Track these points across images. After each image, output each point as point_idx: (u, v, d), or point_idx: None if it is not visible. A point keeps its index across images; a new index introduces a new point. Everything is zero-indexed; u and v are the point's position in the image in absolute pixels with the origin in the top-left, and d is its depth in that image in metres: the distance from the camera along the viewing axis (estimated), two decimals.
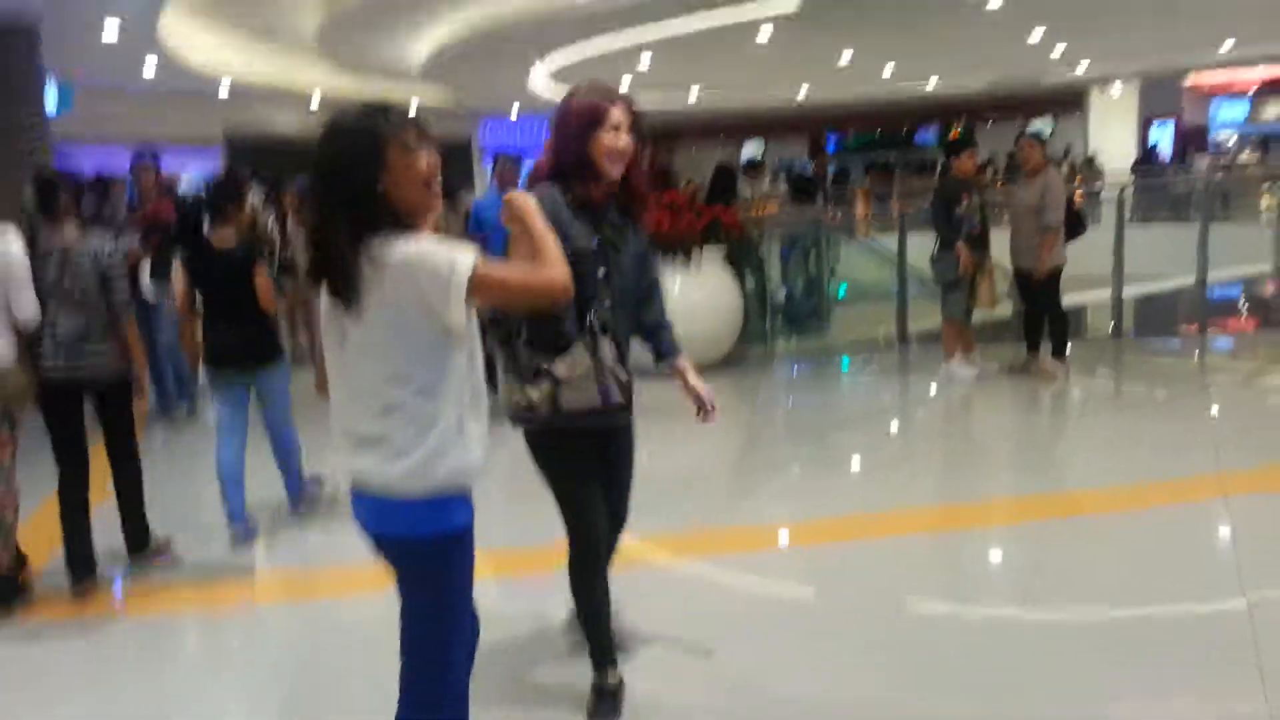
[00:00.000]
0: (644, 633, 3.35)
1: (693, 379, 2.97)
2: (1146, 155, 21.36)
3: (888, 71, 18.63)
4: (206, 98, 17.42)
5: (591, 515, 2.85)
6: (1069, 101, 22.96)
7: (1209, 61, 19.37)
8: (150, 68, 14.30)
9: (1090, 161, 20.05)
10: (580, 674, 2.97)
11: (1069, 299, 7.40)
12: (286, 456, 4.84)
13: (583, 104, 2.71)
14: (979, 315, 7.32)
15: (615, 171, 2.71)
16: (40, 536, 4.35)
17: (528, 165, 6.02)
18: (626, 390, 2.75)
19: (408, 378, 2.01)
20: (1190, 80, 22.76)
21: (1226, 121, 24.45)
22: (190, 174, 16.29)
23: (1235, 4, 12.69)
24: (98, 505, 4.20)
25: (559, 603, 3.25)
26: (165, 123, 16.69)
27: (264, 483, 4.91)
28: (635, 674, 3.01)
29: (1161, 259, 10.25)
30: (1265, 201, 14.21)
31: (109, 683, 3.45)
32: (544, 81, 16.51)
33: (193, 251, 4.62)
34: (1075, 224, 7.10)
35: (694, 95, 21.03)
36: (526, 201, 2.22)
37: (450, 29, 13.27)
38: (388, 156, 1.95)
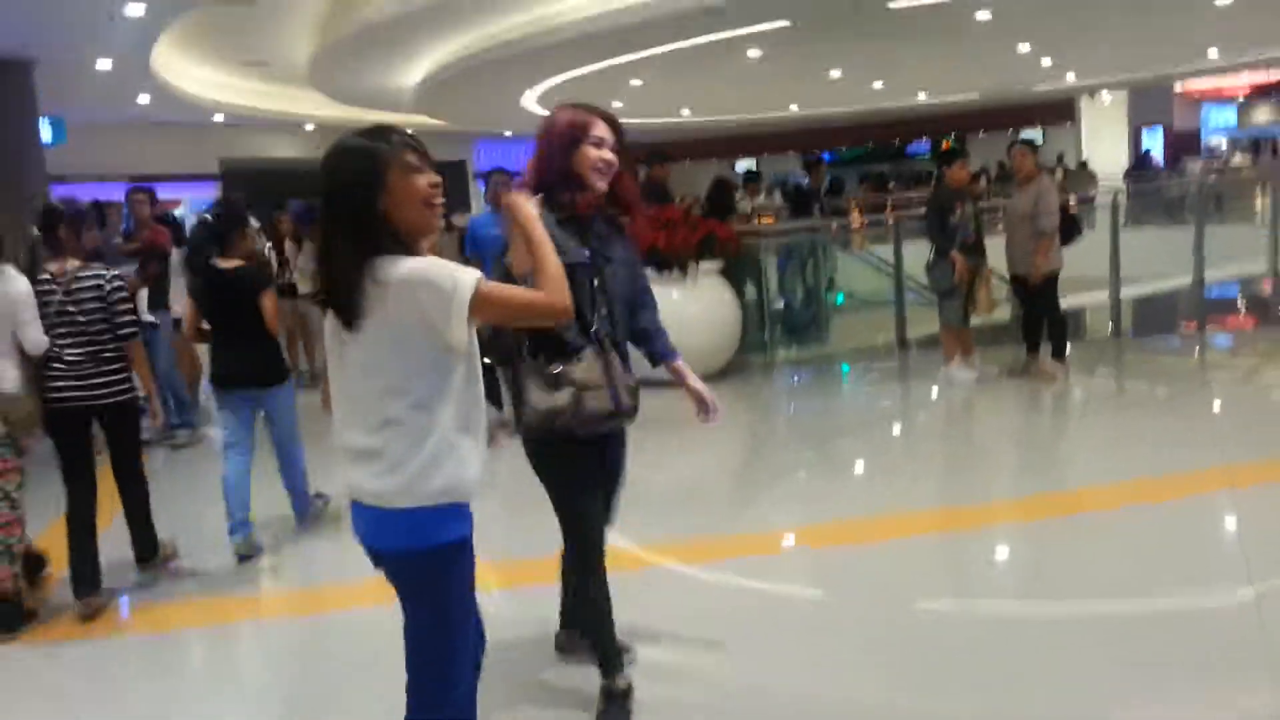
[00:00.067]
0: (651, 636, 3.35)
1: (692, 380, 2.99)
2: (1140, 161, 21.47)
3: (878, 85, 18.74)
4: (200, 129, 17.54)
5: (593, 520, 2.87)
6: (1059, 110, 23.10)
7: (1195, 69, 19.50)
8: (144, 101, 14.39)
9: (1084, 165, 20.13)
10: (588, 678, 2.96)
11: (1067, 301, 7.43)
12: (293, 474, 4.90)
13: (566, 119, 2.76)
14: (978, 320, 7.35)
15: (601, 184, 2.75)
16: (49, 556, 4.41)
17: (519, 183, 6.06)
18: (634, 394, 2.79)
19: (404, 392, 2.02)
20: (1180, 87, 22.92)
21: (1217, 126, 24.62)
22: (186, 204, 16.38)
23: (1217, 14, 12.78)
24: (104, 528, 4.24)
25: None
26: (160, 155, 16.79)
27: (270, 501, 4.96)
28: (643, 677, 3.00)
29: (1157, 261, 10.28)
30: (1260, 203, 14.26)
31: (116, 699, 3.45)
32: (536, 103, 16.60)
33: (200, 276, 4.72)
34: (1071, 228, 7.16)
35: (686, 113, 21.16)
36: (524, 204, 2.27)
37: (442, 55, 13.35)
38: (388, 178, 2.00)
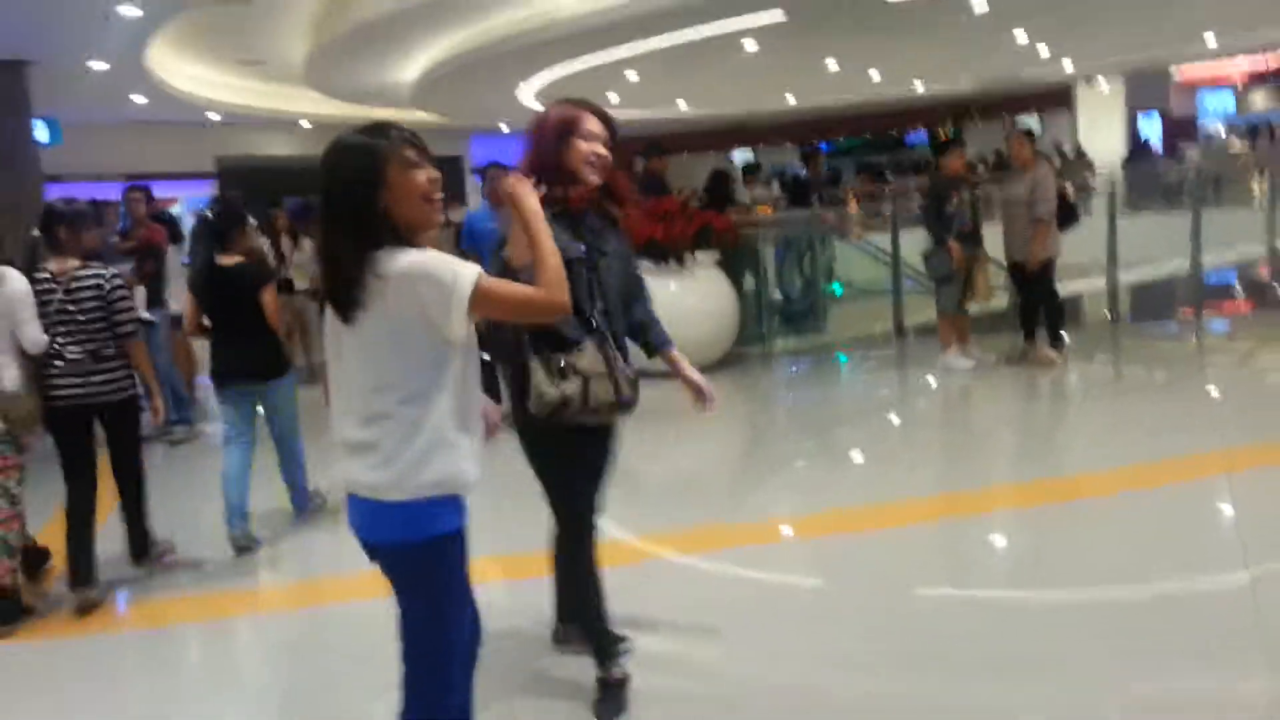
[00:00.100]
0: (649, 627, 3.35)
1: (687, 370, 3.00)
2: (1139, 148, 21.42)
3: (875, 76, 18.70)
4: (196, 128, 17.51)
5: (586, 507, 2.89)
6: (1056, 98, 23.03)
7: (1191, 55, 19.46)
8: (139, 100, 14.38)
9: (1080, 154, 20.09)
10: (584, 670, 2.96)
11: (1065, 288, 7.43)
12: (292, 468, 4.94)
13: (558, 114, 2.77)
14: (975, 307, 7.36)
15: (594, 178, 2.75)
16: (51, 550, 4.44)
17: None
18: (634, 386, 2.80)
19: (399, 386, 2.03)
20: (1177, 74, 22.86)
21: (1214, 112, 24.57)
22: (183, 202, 16.37)
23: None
24: (101, 524, 4.27)
25: None
26: (155, 154, 16.77)
27: (268, 496, 5.00)
28: (640, 667, 3.00)
29: (1155, 246, 10.29)
30: (1257, 188, 14.25)
31: (114, 695, 3.46)
32: (532, 97, 16.57)
33: (202, 272, 4.76)
34: (1069, 215, 7.16)
35: (682, 105, 21.12)
36: (528, 193, 2.24)
37: (438, 51, 13.33)
38: (387, 174, 2.01)
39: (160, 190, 10.58)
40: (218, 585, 4.37)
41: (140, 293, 6.56)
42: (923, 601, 3.61)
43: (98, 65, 11.44)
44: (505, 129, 21.90)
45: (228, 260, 4.68)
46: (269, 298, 4.68)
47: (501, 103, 17.05)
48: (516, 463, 2.89)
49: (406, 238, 2.02)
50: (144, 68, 12.10)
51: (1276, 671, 2.88)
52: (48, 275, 4.16)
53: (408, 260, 1.97)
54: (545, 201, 2.68)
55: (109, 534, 4.42)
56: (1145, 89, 22.66)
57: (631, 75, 15.43)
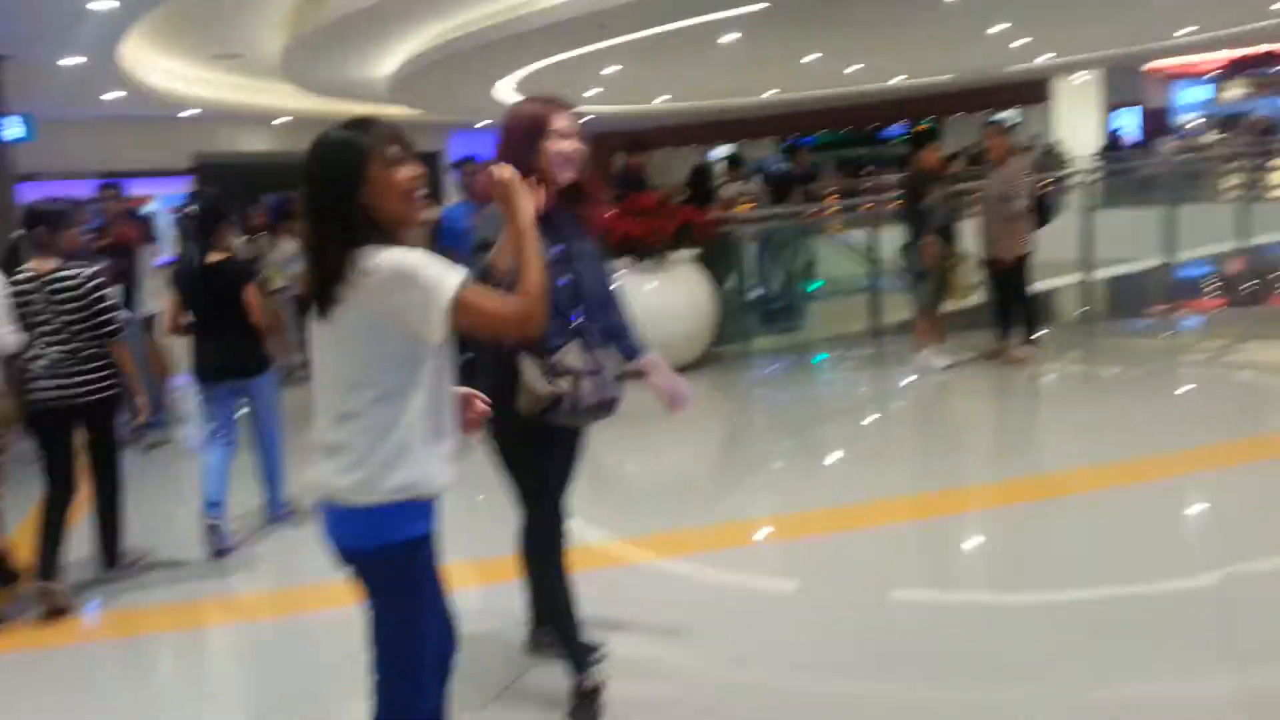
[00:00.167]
0: (625, 631, 3.36)
1: (662, 375, 2.96)
2: (1111, 142, 21.56)
3: (853, 69, 18.74)
4: (172, 124, 17.35)
5: (558, 507, 2.91)
6: (1034, 91, 23.13)
7: (1170, 47, 19.57)
8: (113, 96, 14.22)
9: (1052, 149, 20.19)
10: (558, 677, 2.96)
11: (1040, 284, 7.47)
12: (271, 463, 4.95)
13: (526, 114, 2.75)
14: (952, 304, 7.38)
15: (566, 176, 2.74)
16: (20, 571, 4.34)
17: None
18: (617, 387, 2.80)
19: (372, 384, 2.02)
20: (1150, 66, 22.98)
21: (1189, 105, 24.74)
22: (158, 200, 16.23)
23: None
24: (75, 527, 4.26)
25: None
26: (130, 151, 16.60)
27: (243, 505, 4.96)
28: (615, 673, 3.00)
29: (1130, 241, 10.35)
30: (1231, 180, 14.36)
31: (88, 705, 3.44)
32: (510, 92, 16.51)
33: (189, 269, 4.77)
34: (1043, 211, 7.19)
35: (661, 100, 21.10)
36: (517, 185, 2.13)
37: (415, 44, 13.25)
38: (369, 170, 2.00)
39: (135, 188, 10.50)
40: (192, 593, 4.34)
41: (116, 291, 6.50)
42: (900, 602, 3.63)
43: (71, 60, 11.31)
44: (484, 124, 21.81)
45: (215, 257, 4.71)
46: (253, 294, 4.72)
47: (480, 98, 16.97)
48: (489, 462, 2.88)
49: (389, 234, 2.02)
50: (119, 63, 11.97)
51: (1250, 670, 2.91)
52: (28, 275, 4.15)
53: (391, 259, 1.96)
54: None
55: (82, 540, 4.40)
56: (1120, 82, 22.81)
57: (612, 69, 15.39)
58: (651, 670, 3.21)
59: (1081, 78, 22.75)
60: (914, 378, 7.19)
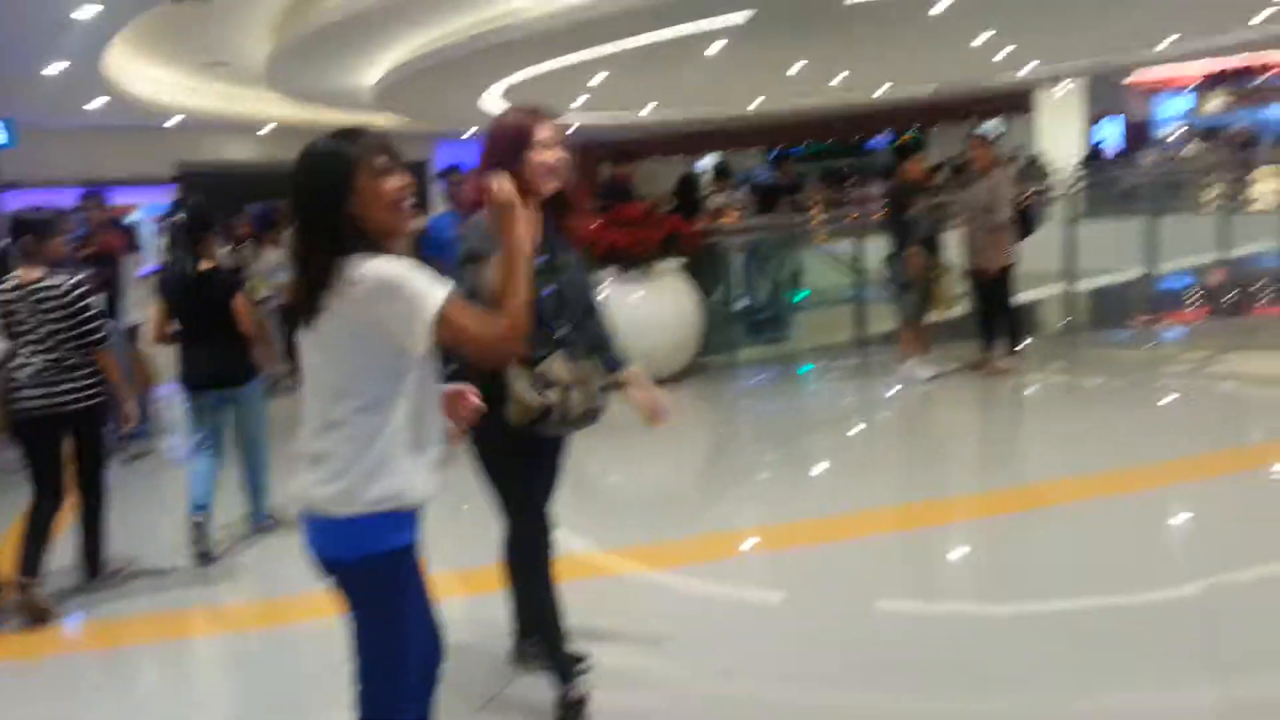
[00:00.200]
0: (611, 642, 3.35)
1: (638, 390, 2.96)
2: (1093, 154, 21.75)
3: (839, 80, 18.85)
4: (156, 132, 17.28)
5: (544, 519, 2.92)
6: (1017, 103, 23.31)
7: (1150, 59, 19.77)
8: (97, 104, 14.16)
9: (1034, 160, 20.35)
10: (543, 688, 2.96)
11: (1023, 295, 7.51)
12: (256, 472, 4.94)
13: (510, 124, 2.76)
14: (937, 315, 7.42)
15: (550, 186, 2.74)
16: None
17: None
18: (602, 397, 2.82)
19: (356, 393, 2.03)
20: (1131, 77, 23.21)
21: (1170, 116, 24.99)
22: (142, 209, 16.14)
23: (1175, 2, 12.99)
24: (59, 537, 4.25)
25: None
26: (113, 160, 16.52)
27: (228, 516, 4.94)
28: (601, 685, 3.00)
29: (1112, 252, 10.43)
30: (1211, 192, 14.49)
31: (69, 717, 3.42)
32: (497, 101, 16.52)
33: (179, 277, 4.78)
34: (1026, 223, 7.24)
35: (648, 110, 21.15)
36: (513, 200, 2.11)
37: (402, 53, 13.25)
38: (357, 180, 2.01)
39: (119, 197, 10.44)
40: (176, 603, 4.31)
41: (99, 300, 6.46)
42: (886, 613, 3.64)
43: (55, 68, 11.26)
44: (471, 133, 21.82)
45: (204, 265, 4.75)
46: (241, 303, 4.75)
47: (467, 107, 16.98)
48: (475, 474, 2.88)
49: (377, 243, 2.02)
50: (102, 71, 11.93)
51: (1231, 681, 2.93)
52: (14, 284, 4.16)
53: (377, 269, 1.97)
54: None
55: (66, 549, 4.38)
56: (1103, 93, 23.02)
57: (598, 78, 15.43)
58: (638, 681, 3.21)
59: (1064, 89, 22.94)
60: (899, 388, 7.21)
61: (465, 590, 3.99)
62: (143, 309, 7.01)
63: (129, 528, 4.86)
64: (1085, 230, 9.49)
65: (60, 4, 8.68)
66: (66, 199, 8.81)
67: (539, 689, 2.99)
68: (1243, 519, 4.16)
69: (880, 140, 26.15)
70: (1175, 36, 16.74)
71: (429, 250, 6.35)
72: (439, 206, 8.15)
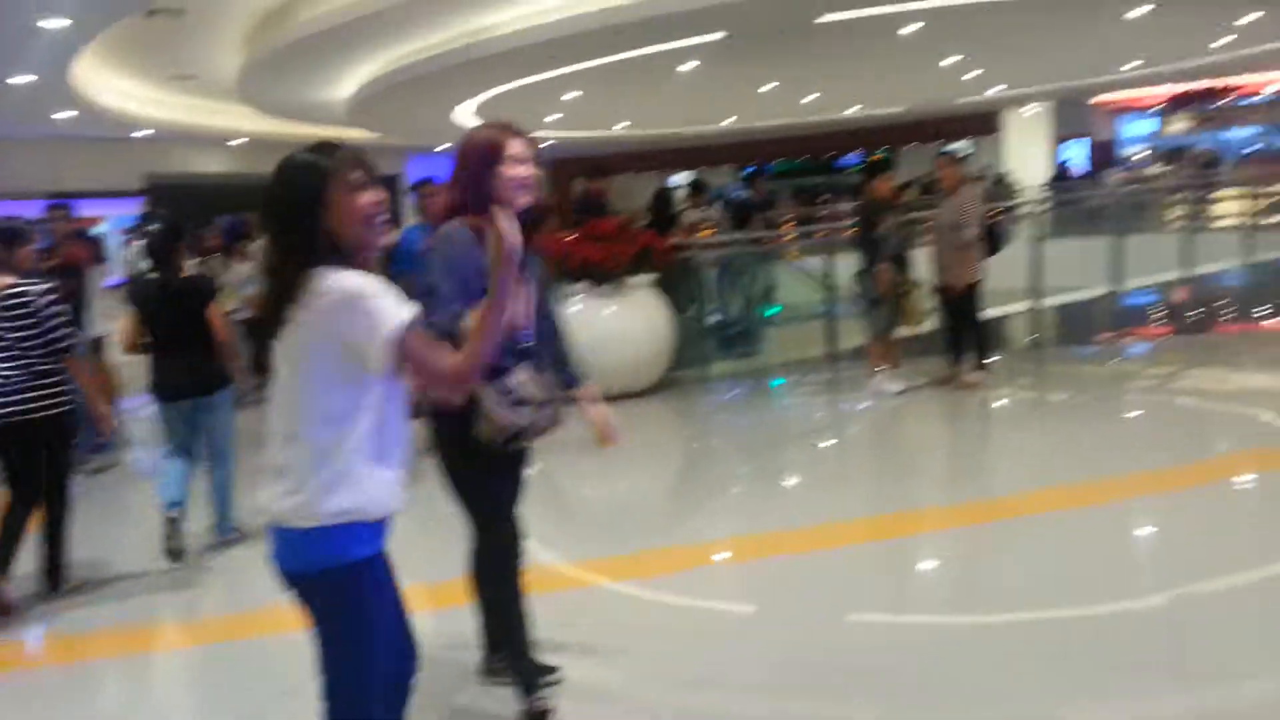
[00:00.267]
0: (580, 655, 3.34)
1: (593, 409, 2.98)
2: (1059, 173, 22.09)
3: (810, 99, 19.02)
4: (124, 144, 17.13)
5: (511, 526, 2.92)
6: (985, 123, 23.64)
7: (1117, 80, 20.12)
8: (64, 116, 14.02)
9: (1000, 180, 20.63)
10: (510, 702, 2.94)
11: (990, 311, 7.60)
12: (223, 483, 4.92)
13: (482, 139, 2.77)
14: (907, 330, 7.49)
15: (523, 201, 2.75)
16: None
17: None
18: (563, 409, 2.82)
19: (314, 407, 2.03)
20: (1097, 99, 23.61)
21: (1134, 137, 25.44)
22: (109, 221, 15.97)
23: (1132, 27, 13.24)
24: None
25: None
26: (80, 171, 16.34)
27: (195, 522, 4.89)
28: (570, 698, 2.99)
29: (1078, 270, 10.58)
30: (1176, 211, 14.75)
31: None
32: (470, 117, 16.52)
33: (153, 286, 4.79)
34: (993, 241, 7.32)
35: (621, 126, 21.24)
36: (516, 243, 2.04)
37: (375, 67, 13.23)
38: (330, 193, 2.02)
39: (85, 209, 10.33)
40: (139, 617, 4.26)
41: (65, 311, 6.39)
42: (857, 624, 3.65)
43: (21, 79, 11.14)
44: (444, 148, 21.81)
45: (180, 274, 4.79)
46: (216, 312, 4.79)
47: (440, 121, 16.96)
48: (442, 486, 2.88)
49: (348, 257, 2.03)
50: (70, 82, 11.81)
51: (1197, 691, 2.96)
52: None
53: (343, 283, 1.97)
54: (474, 230, 2.69)
55: (26, 560, 4.32)
56: (1070, 114, 23.41)
57: (572, 95, 15.47)
58: (606, 693, 3.20)
59: (1031, 110, 23.32)
60: (869, 402, 7.26)
61: (433, 603, 3.97)
62: (108, 321, 6.93)
63: (92, 540, 4.79)
64: (1052, 248, 9.61)
65: (27, 14, 8.59)
66: (32, 210, 8.73)
67: (507, 702, 2.97)
68: (1207, 531, 4.21)
69: (852, 158, 26.40)
70: (1139, 61, 17.06)
71: (401, 264, 6.34)
72: (411, 219, 8.13)
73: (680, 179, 25.06)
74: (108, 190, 17.09)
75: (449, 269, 2.64)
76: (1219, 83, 22.41)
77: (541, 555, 4.23)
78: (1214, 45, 15.52)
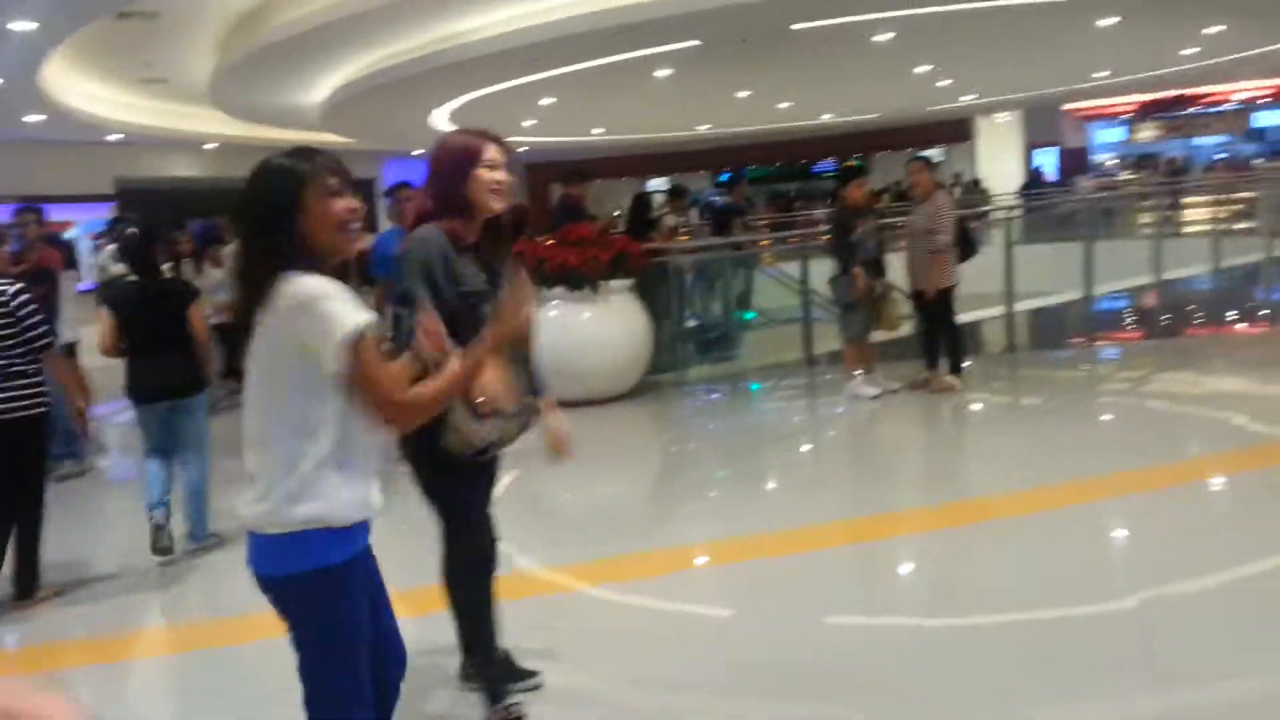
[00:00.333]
0: (558, 660, 3.33)
1: (554, 420, 2.95)
2: (1034, 179, 22.32)
3: (785, 106, 19.12)
4: (95, 148, 16.93)
5: (484, 532, 2.92)
6: (958, 130, 23.85)
7: (1086, 90, 20.37)
8: (33, 119, 13.85)
9: (977, 183, 20.83)
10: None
11: (964, 316, 7.66)
12: (196, 488, 4.88)
13: (456, 144, 2.77)
14: (881, 335, 7.53)
15: (499, 205, 2.74)
16: None
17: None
18: (533, 415, 2.81)
19: (280, 413, 2.02)
20: (1068, 107, 23.89)
21: (1104, 145, 25.77)
22: (79, 225, 15.78)
23: (1102, 35, 13.41)
24: None
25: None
26: (49, 175, 16.13)
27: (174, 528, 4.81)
28: (548, 703, 2.98)
29: (1050, 275, 10.69)
30: (1145, 217, 14.94)
31: None
32: (445, 121, 16.47)
33: (132, 288, 4.81)
34: (967, 246, 7.38)
35: (597, 132, 21.25)
36: (527, 322, 2.22)
37: (349, 71, 13.16)
38: (305, 199, 2.02)
39: (56, 213, 10.21)
40: (116, 626, 4.20)
41: None
42: (834, 626, 3.66)
43: None
44: (419, 153, 21.74)
45: (158, 277, 4.83)
46: (196, 313, 4.80)
47: (415, 126, 16.88)
48: (414, 492, 2.86)
49: (319, 263, 2.02)
50: (39, 85, 11.66)
51: (1168, 691, 2.99)
52: None
53: (301, 287, 1.96)
54: (449, 235, 2.68)
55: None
56: (1040, 122, 23.68)
57: (547, 100, 15.47)
58: (586, 697, 3.19)
59: (1003, 118, 23.54)
60: (845, 406, 7.30)
61: (411, 610, 3.94)
62: (79, 326, 6.86)
63: (67, 548, 4.73)
64: (1024, 254, 9.71)
65: None
66: (1, 213, 8.62)
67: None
68: (1180, 533, 4.26)
69: (827, 164, 26.54)
70: (1107, 71, 17.28)
71: (376, 268, 6.30)
72: (386, 223, 8.09)
73: (659, 184, 25.14)
74: (78, 194, 16.88)
75: (422, 273, 2.63)
76: (1187, 91, 22.75)
77: (520, 560, 4.22)
78: (1181, 54, 15.73)
